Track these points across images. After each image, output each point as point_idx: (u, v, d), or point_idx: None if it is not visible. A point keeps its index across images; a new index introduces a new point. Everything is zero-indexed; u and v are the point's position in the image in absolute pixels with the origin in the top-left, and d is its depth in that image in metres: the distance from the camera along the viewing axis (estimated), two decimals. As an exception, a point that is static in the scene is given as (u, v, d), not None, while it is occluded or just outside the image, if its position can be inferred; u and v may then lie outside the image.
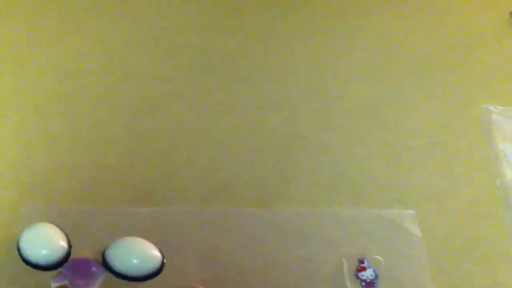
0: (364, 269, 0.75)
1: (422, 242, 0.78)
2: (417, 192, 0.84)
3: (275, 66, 1.00)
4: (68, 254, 0.75)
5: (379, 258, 0.76)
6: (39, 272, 0.74)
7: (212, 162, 0.87)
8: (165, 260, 0.75)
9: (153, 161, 0.86)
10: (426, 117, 0.94)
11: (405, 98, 0.96)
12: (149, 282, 0.74)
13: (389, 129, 0.92)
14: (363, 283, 0.74)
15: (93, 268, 0.74)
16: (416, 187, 0.85)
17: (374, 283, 0.74)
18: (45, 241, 0.75)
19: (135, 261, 0.74)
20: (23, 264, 0.74)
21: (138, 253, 0.75)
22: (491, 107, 0.94)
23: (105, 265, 0.74)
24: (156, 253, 0.75)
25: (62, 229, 0.76)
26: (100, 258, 0.75)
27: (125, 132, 0.89)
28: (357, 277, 0.75)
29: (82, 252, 0.76)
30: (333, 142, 0.90)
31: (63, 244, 0.75)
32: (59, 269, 0.73)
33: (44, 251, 0.74)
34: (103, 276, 0.74)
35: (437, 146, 0.90)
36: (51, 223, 0.76)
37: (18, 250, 0.75)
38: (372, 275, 0.75)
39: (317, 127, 0.92)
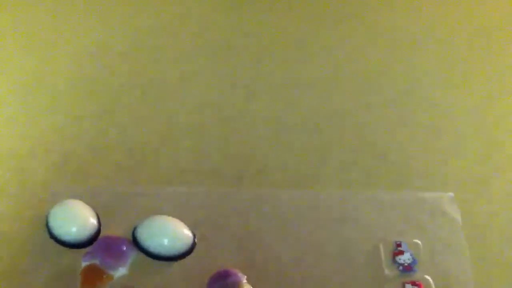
0: (401, 253, 0.73)
1: (462, 226, 0.75)
2: (457, 175, 0.81)
3: (311, 44, 0.97)
4: (98, 232, 0.74)
5: (418, 242, 0.73)
6: (69, 250, 0.72)
7: (246, 142, 0.85)
8: (196, 240, 0.73)
9: (185, 142, 0.85)
10: (468, 100, 0.90)
11: (447, 80, 0.93)
12: (180, 262, 0.72)
13: (430, 110, 0.89)
14: (401, 267, 0.71)
15: (124, 247, 0.72)
16: (456, 170, 0.82)
17: (412, 267, 0.71)
18: (75, 218, 0.73)
19: (166, 240, 0.72)
20: (53, 242, 0.73)
21: (169, 232, 0.73)
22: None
23: (136, 244, 0.73)
24: (187, 233, 0.73)
25: (92, 207, 0.75)
26: (130, 237, 0.73)
27: (156, 112, 0.88)
28: (394, 261, 0.72)
29: (112, 231, 0.74)
30: (372, 123, 0.87)
31: (93, 221, 0.74)
32: (89, 247, 0.72)
33: (73, 229, 0.73)
34: (133, 256, 0.72)
35: (479, 129, 0.86)
36: (80, 200, 0.75)
37: (47, 227, 0.73)
38: (410, 259, 0.72)
39: (355, 108, 0.89)
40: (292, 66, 0.94)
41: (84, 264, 0.70)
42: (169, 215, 0.74)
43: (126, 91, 0.90)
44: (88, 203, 0.75)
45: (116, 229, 0.74)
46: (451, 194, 0.78)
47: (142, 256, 0.72)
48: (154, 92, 0.90)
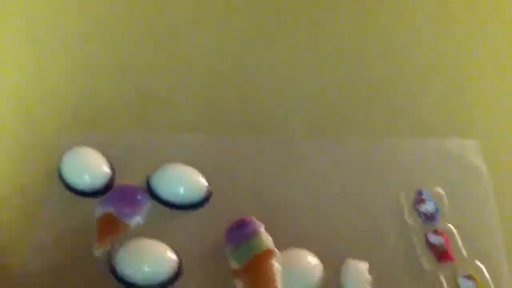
0: (423, 201, 0.70)
1: (488, 175, 0.72)
2: (482, 121, 0.78)
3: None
4: (111, 181, 0.72)
5: (440, 190, 0.71)
6: (83, 199, 0.71)
7: (263, 91, 0.82)
8: (212, 190, 0.71)
9: (199, 89, 0.82)
10: (493, 44, 0.87)
11: (475, 23, 0.89)
12: (196, 211, 0.70)
13: (455, 56, 0.85)
14: (423, 216, 0.69)
15: (139, 196, 0.70)
16: (480, 116, 0.79)
17: (435, 216, 0.69)
18: (87, 166, 0.72)
19: (181, 189, 0.71)
20: (66, 191, 0.71)
21: (184, 180, 0.71)
22: None
23: (150, 193, 0.71)
24: (203, 181, 0.71)
25: (104, 156, 0.73)
26: (144, 186, 0.72)
27: (169, 60, 0.85)
28: (416, 210, 0.70)
29: (126, 179, 0.72)
30: (392, 70, 0.83)
31: (106, 169, 0.72)
32: (103, 196, 0.70)
33: (86, 176, 0.71)
34: (148, 205, 0.71)
35: (505, 74, 0.83)
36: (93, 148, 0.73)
37: (60, 175, 0.72)
38: (432, 208, 0.70)
39: (375, 54, 0.85)
40: (313, 16, 0.91)
41: (98, 212, 0.69)
42: (184, 163, 0.72)
43: (138, 39, 0.88)
44: (101, 152, 0.73)
45: (130, 178, 0.72)
46: (475, 141, 0.75)
47: (156, 205, 0.71)
48: (165, 40, 0.88)
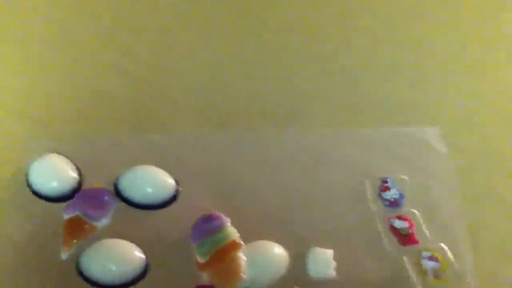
0: (387, 188, 0.71)
1: (450, 160, 0.74)
2: (443, 109, 0.80)
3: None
4: (79, 185, 0.72)
5: (404, 177, 0.72)
6: (52, 204, 0.71)
7: (221, 85, 0.83)
8: (179, 188, 0.72)
9: (156, 87, 0.83)
10: (453, 34, 0.88)
11: (433, 14, 0.91)
12: (163, 210, 0.71)
13: (415, 46, 0.87)
14: (387, 203, 0.70)
15: (106, 198, 0.71)
16: (441, 105, 0.80)
17: (398, 202, 0.70)
18: (55, 172, 0.72)
19: (149, 190, 0.71)
20: (34, 197, 0.72)
21: (152, 181, 0.72)
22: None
23: (118, 194, 0.72)
24: (170, 181, 0.72)
25: (71, 160, 0.74)
26: (112, 188, 0.72)
27: (133, 60, 0.85)
28: (381, 197, 0.71)
29: (93, 182, 0.73)
30: (354, 60, 0.85)
31: (74, 174, 0.72)
32: (70, 201, 0.71)
33: (54, 183, 0.71)
34: (116, 206, 0.71)
35: (465, 62, 0.85)
36: (60, 154, 0.74)
37: (28, 183, 0.72)
38: (396, 195, 0.71)
39: (334, 46, 0.87)
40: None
41: (66, 216, 0.69)
42: (150, 164, 0.73)
43: (95, 39, 0.88)
44: (67, 156, 0.74)
45: (98, 181, 0.73)
46: (435, 128, 0.76)
47: (124, 206, 0.71)
48: (123, 39, 0.88)
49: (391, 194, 0.71)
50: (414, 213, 0.69)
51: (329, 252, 0.65)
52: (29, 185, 0.72)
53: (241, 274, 0.63)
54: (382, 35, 0.88)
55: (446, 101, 0.80)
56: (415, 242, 0.66)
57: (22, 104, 0.81)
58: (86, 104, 0.81)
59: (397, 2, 0.92)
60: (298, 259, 0.65)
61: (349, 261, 0.65)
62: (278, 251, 0.65)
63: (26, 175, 0.72)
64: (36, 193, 0.72)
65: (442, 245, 0.66)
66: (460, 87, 0.82)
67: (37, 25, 0.90)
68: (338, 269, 0.64)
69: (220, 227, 0.66)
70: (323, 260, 0.64)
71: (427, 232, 0.67)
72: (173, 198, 0.72)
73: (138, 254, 0.66)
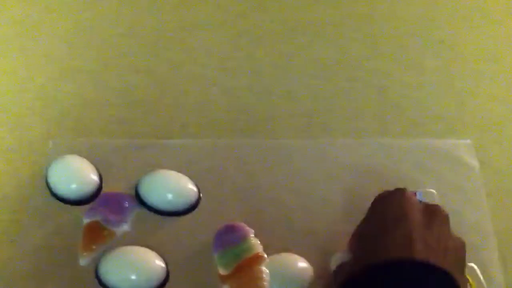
0: (417, 202, 0.69)
1: (480, 175, 0.71)
2: (475, 120, 0.77)
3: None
4: (99, 189, 0.71)
5: (433, 191, 0.70)
6: (70, 207, 0.70)
7: (249, 92, 0.81)
8: (201, 195, 0.70)
9: (188, 92, 0.81)
10: (484, 39, 0.86)
11: (462, 19, 0.88)
12: (184, 217, 0.69)
13: (444, 53, 0.84)
14: (416, 218, 0.68)
15: (126, 203, 0.69)
16: (473, 115, 0.77)
17: (427, 217, 0.68)
18: (74, 174, 0.71)
19: (169, 196, 0.70)
20: (53, 199, 0.70)
21: (173, 187, 0.70)
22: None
23: (139, 199, 0.70)
24: (191, 187, 0.70)
25: (92, 163, 0.72)
26: (133, 193, 0.71)
27: (155, 64, 0.85)
28: (409, 212, 0.68)
29: (113, 186, 0.71)
30: (382, 68, 0.83)
31: (94, 177, 0.71)
32: (90, 204, 0.69)
33: (73, 185, 0.70)
34: (136, 211, 0.69)
35: (498, 71, 0.82)
36: (81, 156, 0.72)
37: (47, 184, 0.71)
38: (425, 209, 0.68)
39: (364, 52, 0.84)
40: (299, 11, 0.90)
41: (85, 221, 0.68)
42: (172, 169, 0.71)
43: (123, 42, 0.87)
44: (88, 158, 0.72)
45: (118, 185, 0.71)
46: (468, 141, 0.74)
47: (145, 212, 0.70)
48: (152, 43, 0.87)
49: (420, 208, 0.69)
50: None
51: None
52: (48, 186, 0.71)
53: (264, 289, 0.61)
54: (408, 40, 0.86)
55: (479, 112, 0.78)
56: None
57: (44, 105, 0.80)
58: (108, 106, 0.80)
59: (427, 6, 0.90)
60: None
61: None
62: (302, 265, 0.63)
63: (46, 176, 0.71)
64: (55, 195, 0.70)
65: (472, 264, 0.63)
66: (494, 97, 0.79)
67: (63, 25, 0.90)
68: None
69: (244, 238, 0.64)
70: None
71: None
72: (195, 205, 0.70)
73: (158, 263, 0.64)
